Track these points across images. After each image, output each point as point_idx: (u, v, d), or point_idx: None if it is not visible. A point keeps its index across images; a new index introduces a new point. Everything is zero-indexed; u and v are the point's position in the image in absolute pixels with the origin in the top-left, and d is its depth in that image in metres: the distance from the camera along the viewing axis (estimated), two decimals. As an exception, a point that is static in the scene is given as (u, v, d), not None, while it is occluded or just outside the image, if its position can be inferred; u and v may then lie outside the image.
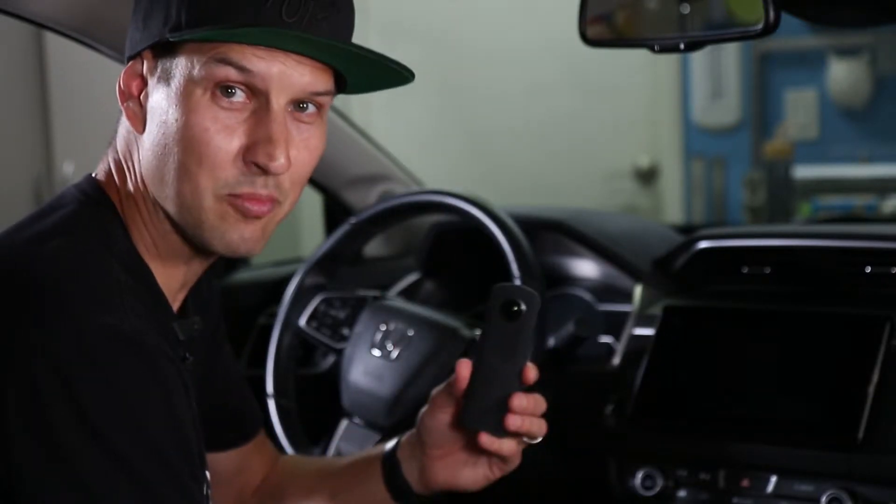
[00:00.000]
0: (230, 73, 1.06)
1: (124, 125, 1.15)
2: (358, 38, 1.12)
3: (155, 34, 1.08)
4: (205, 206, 1.08)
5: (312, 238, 3.71)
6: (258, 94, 1.07)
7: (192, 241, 1.12)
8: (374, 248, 2.19)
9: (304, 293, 1.82)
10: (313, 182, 2.14)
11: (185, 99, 1.07)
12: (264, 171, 1.07)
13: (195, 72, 1.06)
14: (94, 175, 1.17)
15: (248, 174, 1.08)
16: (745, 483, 1.50)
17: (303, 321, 1.81)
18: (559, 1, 2.01)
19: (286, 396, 1.77)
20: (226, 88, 1.07)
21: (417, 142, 4.44)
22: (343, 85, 1.14)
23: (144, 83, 1.11)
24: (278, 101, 1.07)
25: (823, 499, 1.44)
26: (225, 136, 1.07)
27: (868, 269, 1.59)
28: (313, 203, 2.52)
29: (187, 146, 1.07)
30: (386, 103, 4.72)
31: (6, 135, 3.15)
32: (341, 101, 1.28)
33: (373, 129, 2.82)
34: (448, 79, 4.72)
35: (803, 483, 1.46)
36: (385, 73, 1.11)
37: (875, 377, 1.44)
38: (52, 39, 3.11)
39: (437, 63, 4.70)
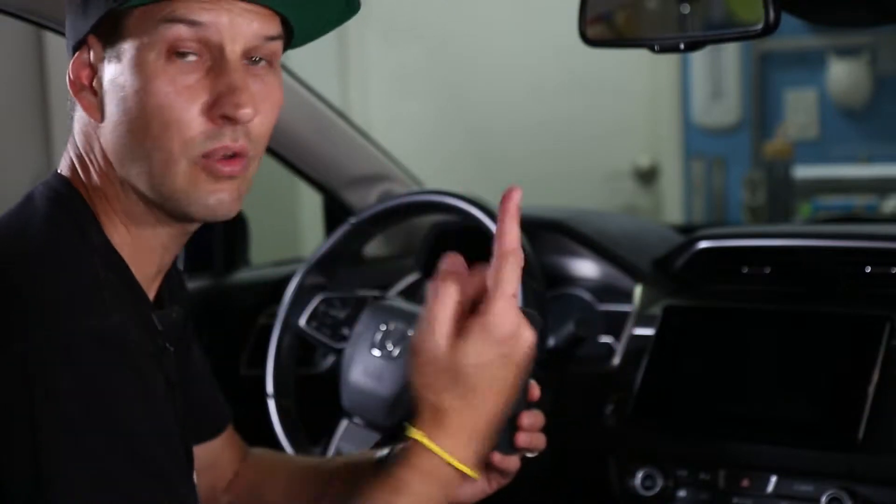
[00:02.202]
0: (181, 31, 1.05)
1: (80, 119, 1.14)
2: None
3: (100, 9, 1.07)
4: (178, 171, 1.07)
5: (312, 238, 3.71)
6: (211, 49, 1.07)
7: (171, 212, 1.11)
8: (374, 248, 2.19)
9: (304, 293, 1.82)
10: (313, 182, 2.14)
11: (141, 68, 1.06)
12: (233, 121, 1.07)
13: (146, 39, 1.06)
14: (59, 171, 1.16)
15: (217, 129, 1.07)
16: (745, 483, 1.50)
17: (303, 321, 1.81)
18: (559, 1, 2.00)
19: (286, 396, 1.76)
20: (178, 52, 1.06)
21: (417, 141, 4.43)
22: (290, 38, 1.14)
23: (94, 71, 1.10)
24: (233, 51, 1.07)
25: (823, 499, 1.44)
26: (187, 96, 1.06)
27: (868, 269, 1.59)
28: (313, 203, 2.52)
29: (151, 114, 1.06)
30: (386, 103, 4.73)
31: (6, 135, 3.15)
32: (341, 100, 1.29)
33: (373, 129, 2.82)
34: (448, 79, 4.72)
35: (803, 483, 1.46)
36: (332, 11, 1.13)
37: (875, 377, 1.44)
38: (52, 39, 3.11)
39: (436, 63, 4.70)
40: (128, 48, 1.07)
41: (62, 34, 1.51)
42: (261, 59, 1.10)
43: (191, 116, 1.06)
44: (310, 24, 1.14)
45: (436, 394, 1.11)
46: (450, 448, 1.10)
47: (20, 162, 3.11)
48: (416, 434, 1.10)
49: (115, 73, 1.08)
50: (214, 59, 1.07)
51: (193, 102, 1.06)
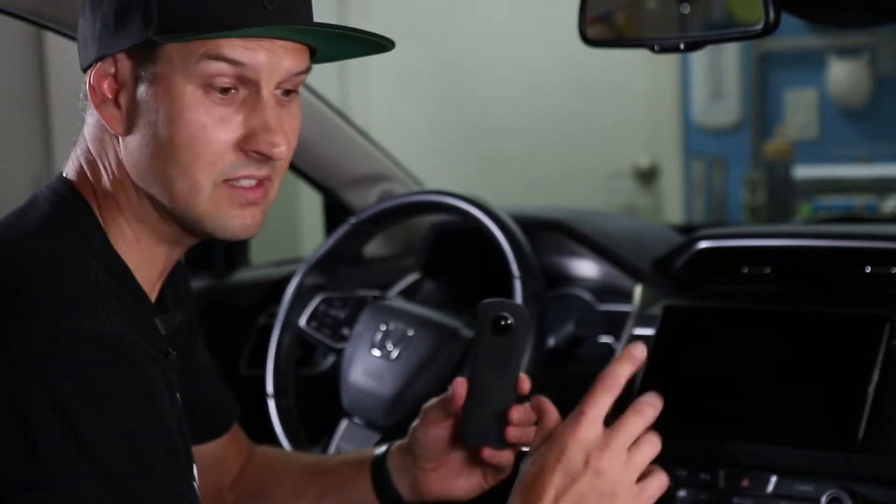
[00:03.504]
0: (223, 69, 1.06)
1: (95, 125, 1.13)
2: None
3: (136, 35, 1.06)
4: (202, 198, 1.08)
5: (312, 238, 3.71)
6: (247, 84, 1.08)
7: (191, 231, 1.12)
8: (374, 248, 2.19)
9: (304, 293, 1.82)
10: (313, 182, 2.14)
11: (177, 97, 1.06)
12: (268, 157, 1.09)
13: (185, 70, 1.06)
14: (64, 174, 1.16)
15: (246, 160, 1.09)
16: (745, 483, 1.50)
17: (303, 321, 1.81)
18: (559, 1, 2.01)
19: (286, 396, 1.77)
20: (218, 87, 1.07)
21: (417, 142, 4.44)
22: (312, 56, 1.15)
23: (117, 83, 1.10)
24: (269, 89, 1.08)
25: (823, 499, 1.44)
26: (221, 128, 1.07)
27: (868, 269, 1.59)
28: (313, 203, 2.52)
29: (182, 143, 1.07)
30: (386, 103, 4.73)
31: (6, 135, 3.15)
32: (341, 100, 1.29)
33: (373, 129, 2.82)
34: (448, 79, 4.72)
35: (803, 483, 1.46)
36: (362, 46, 1.13)
37: (875, 377, 1.44)
38: (52, 39, 3.11)
39: (436, 63, 4.70)
40: (164, 75, 1.07)
41: (62, 34, 1.52)
42: (287, 89, 1.11)
43: (222, 149, 1.08)
44: (340, 54, 1.16)
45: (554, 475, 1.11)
46: None
47: (20, 162, 3.11)
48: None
49: (147, 95, 1.08)
50: (250, 93, 1.08)
51: (227, 135, 1.08)
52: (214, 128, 1.07)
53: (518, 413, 1.24)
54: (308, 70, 1.12)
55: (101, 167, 1.13)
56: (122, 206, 1.12)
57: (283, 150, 1.09)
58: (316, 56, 1.14)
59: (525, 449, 1.28)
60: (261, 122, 1.08)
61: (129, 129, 1.10)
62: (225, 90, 1.07)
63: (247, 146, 1.08)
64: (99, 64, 1.10)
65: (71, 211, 1.11)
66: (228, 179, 1.09)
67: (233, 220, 1.10)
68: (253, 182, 1.10)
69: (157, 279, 1.18)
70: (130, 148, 1.10)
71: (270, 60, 1.07)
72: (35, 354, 0.98)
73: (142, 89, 1.08)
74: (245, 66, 1.06)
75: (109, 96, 1.10)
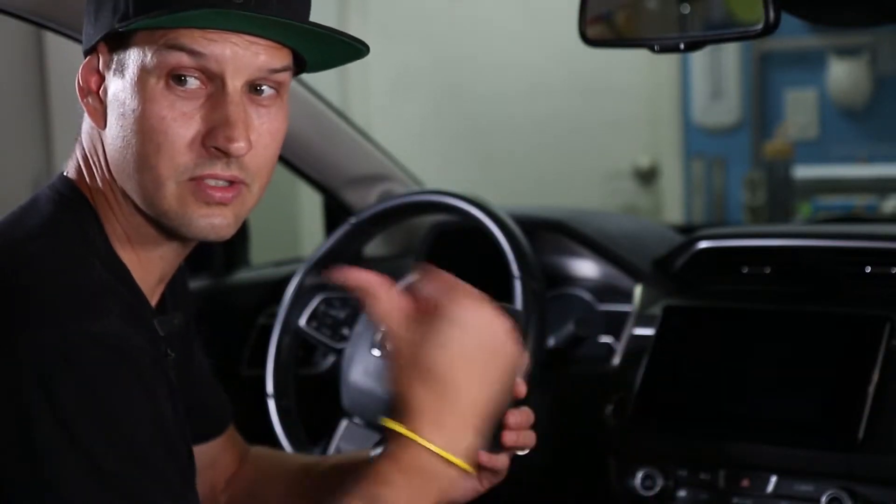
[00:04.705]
0: (182, 59, 1.04)
1: (88, 121, 1.13)
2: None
3: (106, 26, 1.07)
4: (166, 193, 1.06)
5: (312, 238, 3.71)
6: (213, 78, 1.06)
7: (164, 229, 1.11)
8: (374, 248, 2.19)
9: (304, 293, 1.82)
10: (313, 182, 2.14)
11: (141, 89, 1.05)
12: (225, 154, 1.05)
13: (148, 60, 1.05)
14: (65, 173, 1.15)
15: (209, 158, 1.06)
16: (745, 483, 1.50)
17: (303, 321, 1.81)
18: (559, 1, 2.01)
19: (286, 396, 1.76)
20: (179, 76, 1.05)
21: (417, 142, 4.43)
22: (303, 64, 1.13)
23: (102, 78, 1.10)
24: (234, 84, 1.06)
25: (823, 499, 1.44)
26: (182, 122, 1.05)
27: (868, 269, 1.59)
28: (313, 203, 2.52)
29: (146, 136, 1.05)
30: (386, 103, 4.72)
31: (6, 135, 3.15)
32: (341, 100, 1.28)
33: (373, 129, 2.82)
34: (448, 79, 4.72)
35: (803, 483, 1.46)
36: (341, 49, 1.10)
37: (875, 377, 1.44)
38: (52, 39, 3.11)
39: (436, 63, 4.70)
40: (131, 65, 1.06)
41: (62, 34, 1.52)
42: (267, 87, 1.09)
43: (183, 143, 1.05)
44: (320, 57, 1.12)
45: (406, 388, 1.07)
46: (431, 438, 1.05)
47: (20, 162, 3.11)
48: (391, 425, 1.06)
49: (118, 88, 1.07)
50: (216, 88, 1.06)
51: (188, 130, 1.05)
52: (175, 122, 1.05)
53: (514, 417, 1.24)
54: (287, 69, 1.09)
55: (92, 165, 1.13)
56: (112, 207, 1.12)
57: (240, 146, 1.05)
58: (305, 63, 1.12)
59: (521, 453, 1.28)
60: (222, 116, 1.05)
61: (107, 123, 1.09)
62: (181, 79, 1.04)
63: (207, 141, 1.05)
64: (87, 59, 1.11)
65: (73, 210, 1.11)
66: (194, 178, 1.07)
67: (199, 218, 1.08)
68: (221, 182, 1.07)
69: (157, 284, 1.17)
70: (108, 142, 1.10)
71: (236, 55, 1.05)
72: (40, 356, 0.98)
73: (115, 81, 1.08)
74: (205, 57, 1.04)
75: (94, 89, 1.10)
